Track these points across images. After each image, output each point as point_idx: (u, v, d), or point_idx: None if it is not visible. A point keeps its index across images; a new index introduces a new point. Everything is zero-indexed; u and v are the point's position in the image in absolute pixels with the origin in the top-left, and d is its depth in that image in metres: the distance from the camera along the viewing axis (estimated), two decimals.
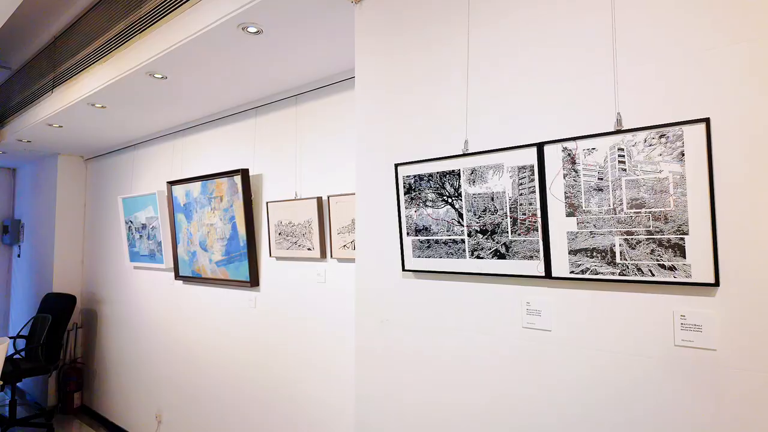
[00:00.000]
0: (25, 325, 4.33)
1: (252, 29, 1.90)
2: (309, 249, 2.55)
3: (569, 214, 1.11)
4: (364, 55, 1.62)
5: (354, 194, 2.31)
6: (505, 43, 1.28)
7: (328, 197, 2.43)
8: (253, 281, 2.85)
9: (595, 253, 1.08)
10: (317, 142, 2.57)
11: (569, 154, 1.11)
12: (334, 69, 2.36)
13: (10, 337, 3.89)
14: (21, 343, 4.82)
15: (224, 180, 2.97)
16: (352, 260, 2.38)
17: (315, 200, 2.49)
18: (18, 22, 3.47)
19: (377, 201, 1.55)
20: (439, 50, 1.42)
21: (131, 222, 3.87)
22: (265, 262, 2.84)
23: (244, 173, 2.82)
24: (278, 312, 2.73)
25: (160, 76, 2.45)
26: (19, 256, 5.44)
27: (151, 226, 3.65)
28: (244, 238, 2.86)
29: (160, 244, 3.56)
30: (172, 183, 3.38)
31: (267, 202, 2.74)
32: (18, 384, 5.14)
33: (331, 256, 2.45)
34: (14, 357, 4.19)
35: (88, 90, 2.81)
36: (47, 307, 4.35)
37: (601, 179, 1.07)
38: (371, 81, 1.60)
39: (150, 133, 3.74)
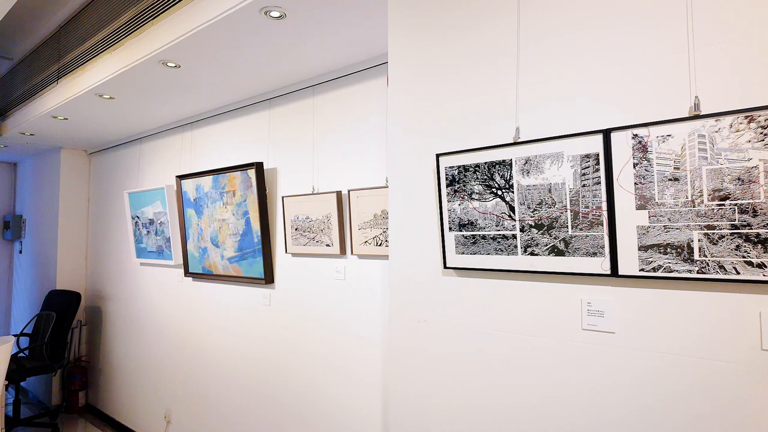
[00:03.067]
0: (28, 323, 4.23)
1: (275, 13, 1.80)
2: (328, 245, 2.46)
3: (640, 207, 1.02)
4: (399, 38, 1.53)
5: (377, 188, 2.22)
6: (562, 19, 1.18)
7: (349, 191, 2.34)
8: (268, 278, 2.76)
9: (669, 249, 0.99)
10: (336, 134, 2.47)
11: (640, 142, 1.02)
12: (359, 56, 2.25)
13: (14, 335, 3.80)
14: (24, 342, 4.72)
15: (237, 174, 2.87)
16: (374, 257, 2.29)
17: (334, 195, 2.40)
18: (20, 11, 3.35)
19: (414, 194, 1.46)
20: (483, 28, 1.32)
21: (138, 217, 3.77)
22: (280, 258, 2.75)
23: (259, 167, 2.72)
24: (294, 310, 2.64)
25: (173, 65, 2.35)
26: (20, 252, 5.34)
27: (159, 222, 3.55)
28: (259, 233, 2.76)
29: (168, 239, 3.46)
30: (181, 177, 3.28)
31: (283, 197, 2.64)
32: (21, 383, 5.04)
33: (352, 253, 2.36)
34: (18, 356, 4.10)
35: (95, 80, 2.71)
36: (51, 305, 4.26)
37: (678, 168, 0.98)
38: (407, 66, 1.50)
39: (158, 125, 3.64)
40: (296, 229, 2.61)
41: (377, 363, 2.22)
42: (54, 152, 4.65)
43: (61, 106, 3.15)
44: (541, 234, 1.16)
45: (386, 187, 2.19)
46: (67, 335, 4.06)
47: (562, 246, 1.13)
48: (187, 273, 3.31)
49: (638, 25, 1.07)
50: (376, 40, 2.06)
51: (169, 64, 2.33)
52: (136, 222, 3.80)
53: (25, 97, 3.62)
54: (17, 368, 3.68)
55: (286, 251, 2.68)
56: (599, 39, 1.12)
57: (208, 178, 3.07)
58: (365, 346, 2.28)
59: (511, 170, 1.20)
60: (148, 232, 3.68)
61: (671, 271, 0.99)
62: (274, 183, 2.80)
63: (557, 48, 1.19)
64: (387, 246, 2.20)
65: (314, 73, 2.47)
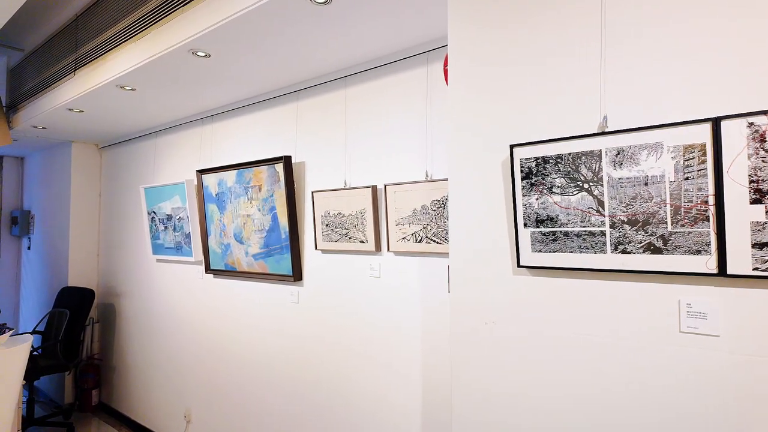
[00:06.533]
0: (40, 321, 4.15)
1: None
2: (362, 241, 2.38)
3: (754, 201, 0.95)
4: (460, 23, 1.44)
5: (417, 183, 2.14)
6: None
7: (385, 186, 2.25)
8: (296, 275, 2.68)
9: None
10: (371, 127, 2.38)
11: (757, 131, 0.94)
12: (401, 44, 2.15)
13: (27, 334, 3.71)
14: (36, 340, 4.63)
15: (263, 168, 2.78)
16: (413, 254, 2.21)
17: (369, 189, 2.32)
18: (32, 1, 3.25)
19: (478, 188, 1.38)
20: (561, 7, 1.24)
21: (155, 213, 3.68)
22: (309, 255, 2.67)
23: (287, 161, 2.64)
24: (325, 307, 2.56)
25: (203, 54, 2.26)
26: (29, 248, 5.24)
27: (177, 217, 3.47)
28: (287, 229, 2.68)
29: (188, 235, 3.38)
30: (202, 171, 3.19)
31: (312, 192, 2.56)
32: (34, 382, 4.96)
33: (388, 249, 2.28)
34: (32, 354, 4.01)
35: (118, 71, 2.61)
36: (64, 302, 4.17)
37: None
38: (468, 54, 1.42)
39: (176, 118, 3.54)
40: (327, 225, 2.53)
41: (417, 358, 2.15)
42: (64, 146, 4.55)
43: (79, 98, 3.05)
44: (635, 230, 1.08)
45: (427, 181, 2.11)
46: (80, 333, 3.98)
47: (659, 243, 1.05)
48: (208, 270, 3.23)
49: (750, 5, 0.99)
50: (422, 27, 1.98)
51: (199, 53, 2.24)
52: (153, 218, 3.71)
53: (38, 90, 3.52)
54: (32, 367, 3.60)
55: (315, 248, 2.60)
56: (699, 21, 1.04)
57: (232, 173, 2.99)
58: (404, 343, 2.21)
59: (601, 162, 1.12)
60: (166, 228, 3.59)
61: None
62: (302, 177, 2.71)
63: (650, 29, 1.10)
64: (427, 243, 2.12)
65: (351, 63, 2.38)
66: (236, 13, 1.87)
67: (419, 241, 2.16)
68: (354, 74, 2.45)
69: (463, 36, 1.43)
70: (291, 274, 2.69)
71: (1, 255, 5.39)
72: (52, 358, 3.88)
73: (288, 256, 2.70)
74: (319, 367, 2.57)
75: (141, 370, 3.95)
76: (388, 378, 2.25)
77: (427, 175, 2.16)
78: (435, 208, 2.10)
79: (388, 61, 2.29)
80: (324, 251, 2.59)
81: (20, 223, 5.20)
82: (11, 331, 2.91)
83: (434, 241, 2.10)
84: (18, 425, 3.08)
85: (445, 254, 2.09)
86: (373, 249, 2.33)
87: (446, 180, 2.05)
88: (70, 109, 3.30)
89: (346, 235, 2.45)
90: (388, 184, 2.24)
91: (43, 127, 3.84)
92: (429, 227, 2.12)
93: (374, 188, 2.32)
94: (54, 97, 3.29)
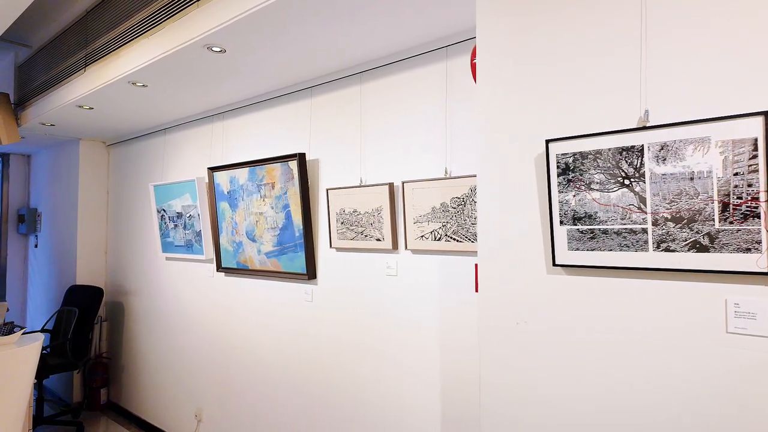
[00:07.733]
0: (49, 319, 4.13)
1: None
2: (378, 240, 2.35)
3: None
4: (488, 15, 1.41)
5: (436, 180, 2.10)
6: None
7: (403, 183, 2.22)
8: (310, 273, 2.65)
9: None
10: (387, 124, 2.35)
11: None
12: (419, 39, 2.11)
13: (36, 332, 3.69)
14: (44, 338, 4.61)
15: (277, 165, 2.75)
16: (431, 252, 2.18)
17: (386, 187, 2.28)
18: None
19: (510, 184, 1.35)
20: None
21: (164, 211, 3.66)
22: (323, 253, 2.64)
23: (301, 158, 2.60)
24: (340, 306, 2.54)
25: (219, 50, 2.23)
26: (36, 246, 5.22)
27: (188, 215, 3.44)
28: (301, 227, 2.65)
29: (198, 233, 3.35)
30: (213, 169, 3.16)
31: (327, 189, 2.53)
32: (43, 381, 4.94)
33: (406, 248, 2.25)
34: (42, 352, 3.99)
35: (130, 67, 2.58)
36: (72, 300, 4.15)
37: None
38: (500, 45, 1.38)
39: (186, 115, 3.51)
40: (342, 223, 2.50)
41: (436, 358, 2.12)
42: (72, 144, 4.53)
43: (89, 95, 3.03)
44: (680, 228, 1.05)
45: (446, 178, 2.08)
46: (89, 331, 3.96)
47: (705, 241, 1.02)
48: (219, 268, 3.21)
49: None
50: (442, 20, 1.94)
51: (214, 48, 2.21)
52: (162, 215, 3.68)
53: (47, 86, 3.49)
54: (41, 365, 3.58)
55: (330, 246, 2.57)
56: (748, 10, 1.01)
57: (244, 170, 2.96)
58: (422, 343, 2.18)
59: (643, 157, 1.09)
60: (176, 225, 3.56)
61: None
62: (316, 175, 2.68)
63: (694, 19, 1.07)
64: (447, 241, 2.09)
65: (367, 57, 2.34)
66: (255, 6, 1.84)
67: (438, 239, 2.13)
68: (370, 69, 2.41)
69: (492, 28, 1.40)
70: (305, 272, 2.66)
71: (8, 253, 5.37)
72: (61, 356, 3.86)
73: (302, 254, 2.67)
74: (333, 367, 2.55)
75: (150, 368, 3.93)
76: (406, 378, 2.23)
77: (446, 172, 2.13)
78: (455, 206, 2.06)
79: (405, 56, 2.25)
80: (339, 249, 2.56)
81: (27, 221, 5.18)
82: (22, 330, 2.89)
83: (454, 239, 2.07)
84: (29, 424, 3.06)
85: (466, 253, 2.06)
86: (390, 247, 2.30)
87: (466, 177, 2.01)
88: (79, 106, 3.27)
89: (362, 233, 2.42)
90: (406, 182, 2.21)
91: (51, 124, 3.81)
92: (449, 225, 2.09)
93: (391, 185, 2.29)
94: (63, 93, 3.26)
